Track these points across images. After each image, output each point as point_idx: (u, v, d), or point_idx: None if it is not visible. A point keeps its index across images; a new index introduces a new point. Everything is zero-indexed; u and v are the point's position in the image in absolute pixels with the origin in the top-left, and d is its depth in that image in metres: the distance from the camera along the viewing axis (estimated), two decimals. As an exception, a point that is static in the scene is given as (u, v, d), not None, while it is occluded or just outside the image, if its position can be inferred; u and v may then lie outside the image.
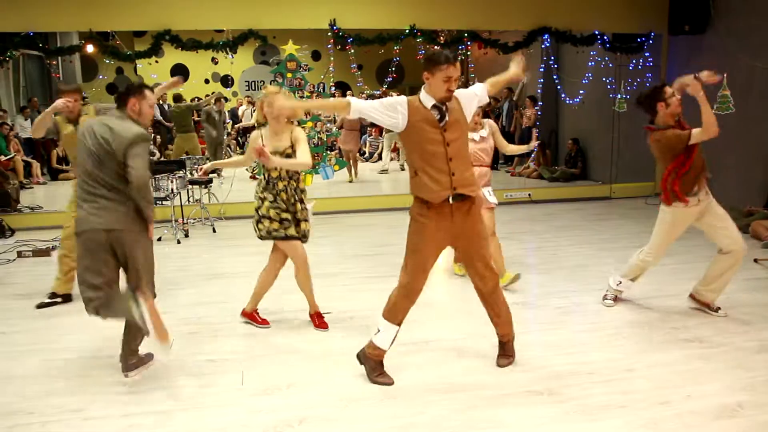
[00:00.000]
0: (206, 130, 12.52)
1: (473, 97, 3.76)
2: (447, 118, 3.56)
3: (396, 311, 3.74)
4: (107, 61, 10.49)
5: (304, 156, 4.36)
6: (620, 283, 5.04)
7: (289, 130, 4.44)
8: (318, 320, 4.69)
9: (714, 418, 3.33)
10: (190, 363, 4.09)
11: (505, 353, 4.02)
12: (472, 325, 4.60)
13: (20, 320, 4.93)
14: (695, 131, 4.40)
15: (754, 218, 7.54)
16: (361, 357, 3.87)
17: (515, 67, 4.00)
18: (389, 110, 3.57)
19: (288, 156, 4.35)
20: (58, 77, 12.56)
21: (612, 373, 3.88)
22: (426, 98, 3.57)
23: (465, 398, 3.58)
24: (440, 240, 3.69)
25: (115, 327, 4.72)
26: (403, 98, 3.63)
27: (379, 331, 3.78)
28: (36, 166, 12.47)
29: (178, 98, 12.45)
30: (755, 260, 6.27)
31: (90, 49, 9.06)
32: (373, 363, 3.82)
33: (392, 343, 3.80)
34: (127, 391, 3.71)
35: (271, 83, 10.70)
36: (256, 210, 4.45)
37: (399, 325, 3.77)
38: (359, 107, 3.57)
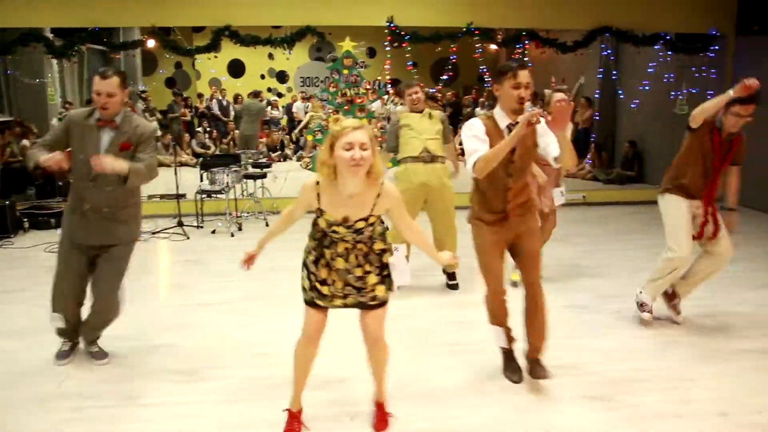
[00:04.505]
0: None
1: (546, 132, 3.51)
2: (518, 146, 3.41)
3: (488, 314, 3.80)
4: (167, 56, 10.80)
5: (412, 225, 3.12)
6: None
7: (374, 192, 2.89)
8: (379, 414, 3.35)
9: (777, 433, 3.22)
10: (244, 355, 4.16)
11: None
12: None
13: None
14: None
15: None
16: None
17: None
18: (482, 140, 3.44)
19: (359, 231, 2.92)
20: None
21: (668, 381, 3.79)
22: (500, 115, 3.47)
23: (518, 401, 3.55)
24: (499, 241, 3.65)
25: (165, 317, 4.86)
26: (478, 121, 3.50)
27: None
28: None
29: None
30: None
31: (151, 44, 9.32)
32: (502, 357, 3.90)
33: (507, 341, 3.82)
34: (182, 380, 3.80)
35: (326, 79, 10.77)
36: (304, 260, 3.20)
37: (501, 325, 3.78)
38: (474, 160, 3.41)
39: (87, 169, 3.61)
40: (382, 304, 3.08)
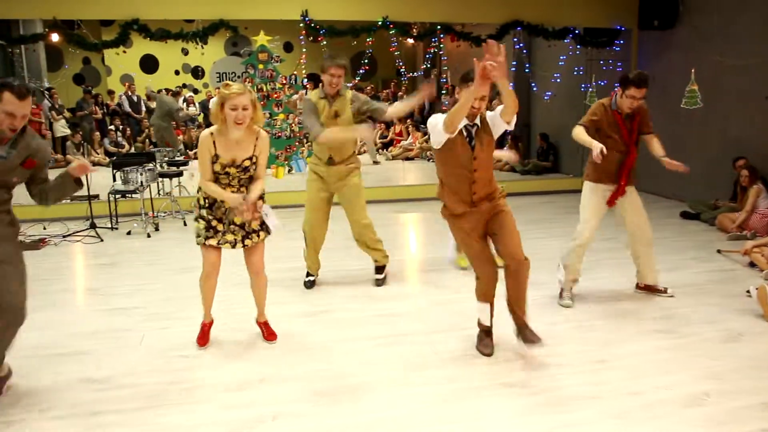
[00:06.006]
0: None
1: (495, 117, 3.79)
2: (475, 140, 3.76)
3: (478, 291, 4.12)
4: (73, 51, 10.29)
5: (262, 171, 3.98)
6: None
7: (253, 137, 3.85)
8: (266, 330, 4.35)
9: (682, 407, 3.39)
10: (162, 359, 4.04)
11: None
12: (446, 319, 4.62)
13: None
14: None
15: (720, 211, 7.69)
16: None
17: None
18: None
19: (246, 169, 3.87)
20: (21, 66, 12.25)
21: (583, 364, 3.92)
22: None
23: (437, 392, 3.59)
24: (475, 227, 3.91)
25: (77, 323, 4.66)
26: (440, 117, 3.73)
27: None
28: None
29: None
30: (718, 251, 6.43)
31: (55, 38, 8.85)
32: (479, 333, 4.19)
33: (489, 318, 4.13)
34: (95, 389, 3.64)
35: (242, 75, 10.58)
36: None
37: (488, 301, 4.11)
38: (443, 120, 3.67)
39: None
40: (261, 239, 4.03)
